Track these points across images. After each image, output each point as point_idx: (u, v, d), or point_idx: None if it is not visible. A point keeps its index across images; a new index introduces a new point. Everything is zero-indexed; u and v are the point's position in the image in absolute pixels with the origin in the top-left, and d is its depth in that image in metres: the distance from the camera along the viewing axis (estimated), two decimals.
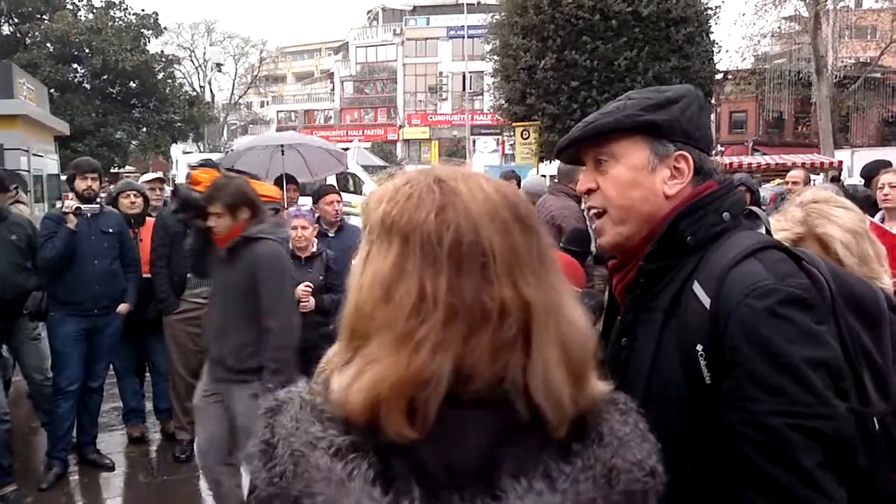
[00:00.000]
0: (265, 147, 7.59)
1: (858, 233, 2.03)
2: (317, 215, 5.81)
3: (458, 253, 0.92)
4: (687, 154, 1.49)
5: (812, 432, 1.24)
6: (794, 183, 7.10)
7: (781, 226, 2.09)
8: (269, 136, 8.74)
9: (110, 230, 5.36)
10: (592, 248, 3.87)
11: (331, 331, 3.70)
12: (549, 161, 19.17)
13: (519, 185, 7.55)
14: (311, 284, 5.11)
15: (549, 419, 0.93)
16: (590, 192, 1.56)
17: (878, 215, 5.43)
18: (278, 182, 7.07)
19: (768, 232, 1.52)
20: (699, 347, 1.33)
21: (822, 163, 20.95)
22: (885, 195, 5.27)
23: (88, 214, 5.15)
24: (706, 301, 1.35)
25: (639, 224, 1.50)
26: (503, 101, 20.53)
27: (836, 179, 15.62)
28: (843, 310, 1.43)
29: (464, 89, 46.97)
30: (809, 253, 1.55)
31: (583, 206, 5.58)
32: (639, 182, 1.49)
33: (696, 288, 1.38)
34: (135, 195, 6.11)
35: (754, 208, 1.56)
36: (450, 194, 0.95)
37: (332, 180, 13.57)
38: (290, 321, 3.97)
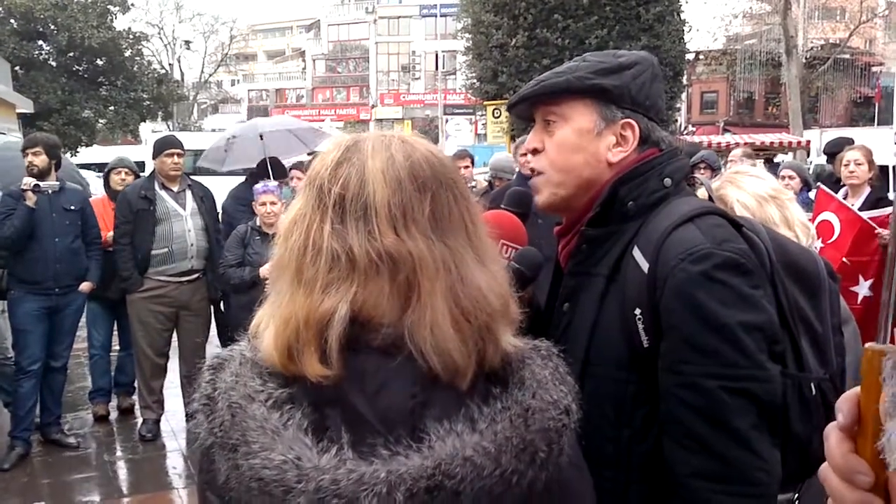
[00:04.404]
0: (248, 137, 7.66)
1: (764, 198, 2.19)
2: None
3: (342, 204, 1.01)
4: (633, 122, 1.48)
5: (745, 394, 1.26)
6: (731, 162, 7.37)
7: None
8: (245, 126, 8.82)
9: (72, 207, 5.27)
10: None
11: None
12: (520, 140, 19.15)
13: (473, 163, 7.65)
14: None
15: (436, 368, 0.97)
16: (535, 152, 1.56)
17: (842, 191, 5.52)
18: (261, 167, 6.90)
19: (711, 199, 1.53)
20: (637, 312, 1.35)
21: (790, 142, 21.15)
22: (851, 172, 5.34)
23: (49, 192, 5.06)
24: (645, 266, 1.36)
25: (577, 188, 1.50)
26: (475, 80, 20.49)
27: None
28: (782, 276, 1.44)
29: (437, 68, 46.70)
30: (751, 220, 1.57)
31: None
32: (583, 146, 1.49)
33: (636, 253, 1.39)
34: (126, 172, 6.13)
35: (699, 176, 1.57)
36: (352, 151, 1.05)
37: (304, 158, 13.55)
38: None
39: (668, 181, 1.46)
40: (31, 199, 4.93)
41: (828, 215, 5.02)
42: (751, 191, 2.18)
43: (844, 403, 0.62)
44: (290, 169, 7.20)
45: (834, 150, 6.89)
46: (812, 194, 5.96)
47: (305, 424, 0.95)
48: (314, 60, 56.28)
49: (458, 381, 0.99)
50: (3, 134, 10.46)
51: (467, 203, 1.08)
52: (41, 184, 5.00)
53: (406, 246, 0.99)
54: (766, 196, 2.19)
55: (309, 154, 7.82)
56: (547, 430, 0.97)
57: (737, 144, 20.99)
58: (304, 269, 1.01)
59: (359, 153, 1.04)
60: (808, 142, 21.64)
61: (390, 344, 0.99)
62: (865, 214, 4.96)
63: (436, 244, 1.01)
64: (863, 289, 4.79)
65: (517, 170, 5.83)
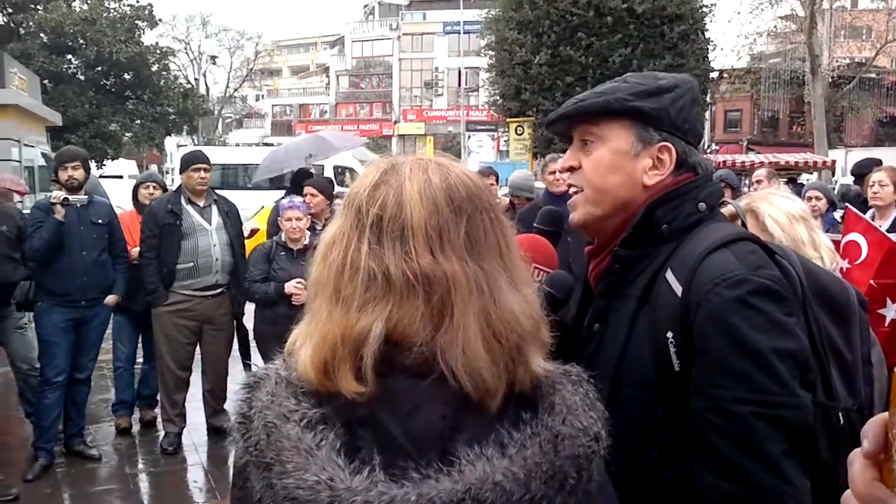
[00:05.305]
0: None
1: (795, 217, 2.18)
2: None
3: (379, 224, 1.03)
4: (671, 145, 1.48)
5: (777, 421, 1.26)
6: (757, 181, 7.34)
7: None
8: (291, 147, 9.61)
9: (99, 221, 5.32)
10: None
11: None
12: (543, 157, 19.22)
13: (497, 181, 7.69)
14: (302, 280, 5.06)
15: (467, 388, 0.97)
16: (572, 169, 1.56)
17: (869, 213, 5.46)
18: (298, 180, 7.07)
19: (743, 224, 1.53)
20: (669, 335, 1.35)
21: (815, 162, 20.98)
22: (875, 193, 5.31)
23: (77, 205, 5.12)
24: (678, 289, 1.36)
25: (613, 209, 1.51)
26: (498, 97, 20.59)
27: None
28: (813, 304, 1.44)
29: (459, 85, 46.92)
30: (783, 247, 1.56)
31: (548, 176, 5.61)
32: (619, 167, 1.49)
33: (669, 276, 1.39)
34: (154, 186, 6.20)
35: (729, 200, 1.57)
36: (390, 174, 1.07)
37: (329, 173, 13.72)
38: None
39: (702, 206, 1.46)
40: (59, 213, 4.99)
41: (855, 236, 4.97)
42: (783, 208, 2.18)
43: (871, 429, 0.61)
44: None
45: (862, 171, 6.84)
46: (838, 215, 5.91)
47: (338, 445, 0.96)
48: (338, 76, 56.74)
49: (489, 401, 0.99)
50: (32, 147, 10.61)
51: (502, 226, 1.09)
52: (70, 197, 5.06)
53: (441, 267, 1.00)
54: (797, 215, 2.19)
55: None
56: (576, 456, 0.97)
57: (761, 164, 20.89)
58: (342, 287, 1.02)
59: (396, 175, 1.06)
60: (833, 161, 21.47)
61: (422, 363, 0.99)
62: (894, 236, 4.91)
63: (470, 266, 1.02)
64: (890, 311, 4.72)
65: (542, 188, 5.79)
